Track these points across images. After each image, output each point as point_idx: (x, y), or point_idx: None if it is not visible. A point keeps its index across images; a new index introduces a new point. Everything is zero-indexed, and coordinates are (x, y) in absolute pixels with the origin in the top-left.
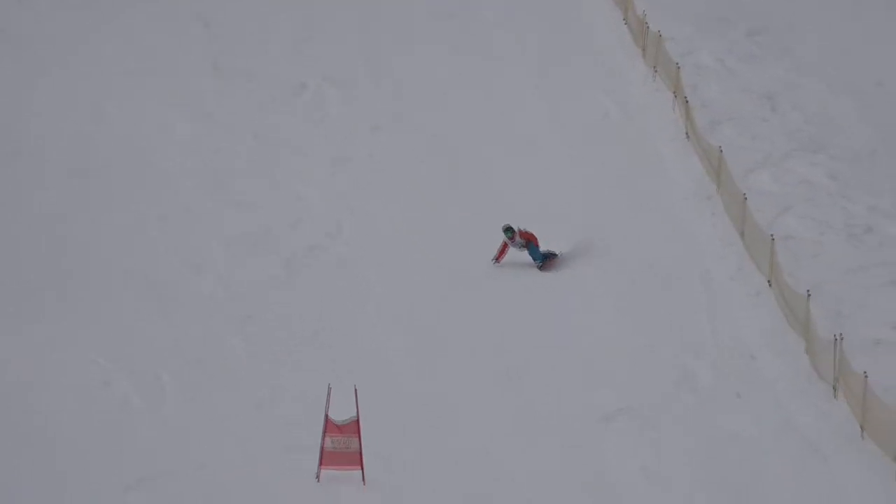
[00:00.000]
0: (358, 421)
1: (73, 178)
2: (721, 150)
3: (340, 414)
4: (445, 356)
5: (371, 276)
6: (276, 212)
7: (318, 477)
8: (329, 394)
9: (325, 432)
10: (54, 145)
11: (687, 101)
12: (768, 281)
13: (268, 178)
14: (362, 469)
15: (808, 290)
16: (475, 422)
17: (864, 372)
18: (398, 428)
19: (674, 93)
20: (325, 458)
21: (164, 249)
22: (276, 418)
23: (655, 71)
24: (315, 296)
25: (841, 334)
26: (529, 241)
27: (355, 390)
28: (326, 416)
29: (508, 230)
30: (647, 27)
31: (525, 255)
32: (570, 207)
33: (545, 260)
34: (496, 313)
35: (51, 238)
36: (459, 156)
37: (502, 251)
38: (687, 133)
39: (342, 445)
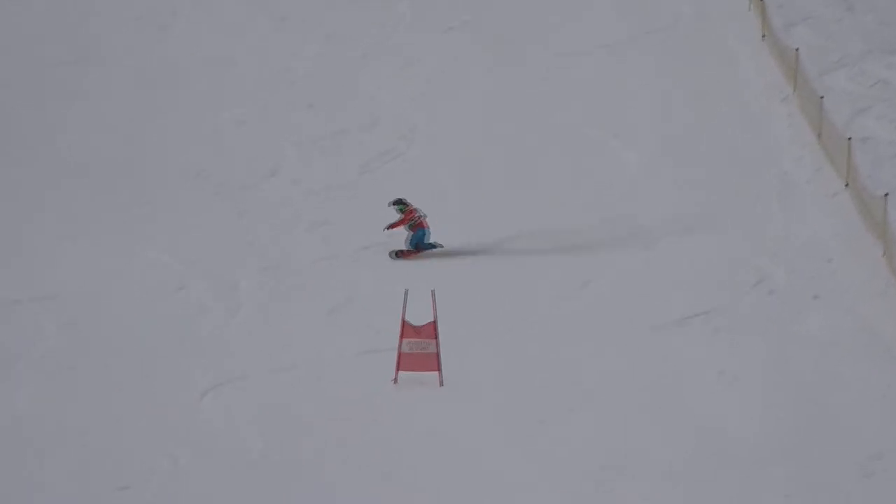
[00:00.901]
0: (435, 323)
1: (143, 86)
2: (797, 51)
3: (417, 318)
4: (517, 263)
5: (445, 180)
6: (351, 114)
7: (395, 380)
8: (405, 297)
9: (401, 335)
10: (124, 52)
11: (762, 2)
12: (845, 183)
13: (341, 80)
14: (439, 371)
15: (885, 193)
16: (546, 327)
17: None
18: (473, 331)
19: None
20: (402, 361)
21: (239, 153)
22: (352, 322)
23: None
24: (390, 200)
25: None
26: (417, 228)
27: (433, 294)
28: (403, 319)
29: (399, 204)
30: None
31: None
32: (646, 110)
33: (411, 249)
34: (566, 216)
35: (124, 143)
36: (527, 59)
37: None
38: (763, 34)
39: (419, 348)
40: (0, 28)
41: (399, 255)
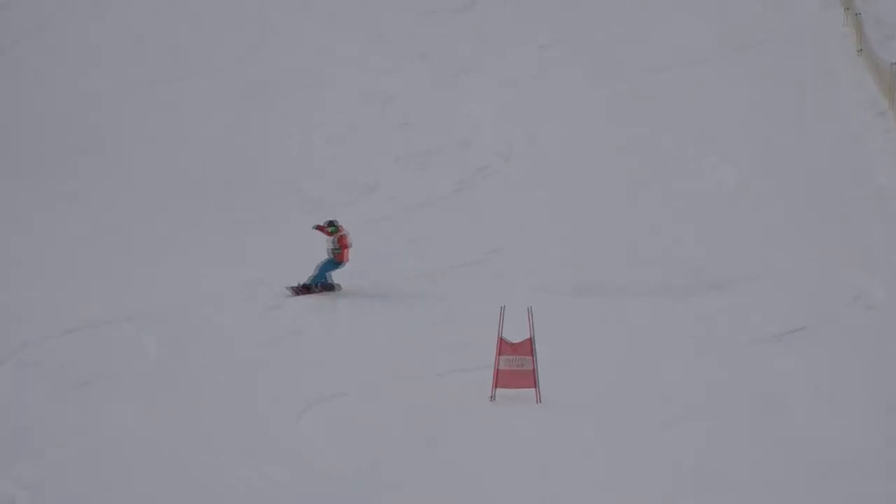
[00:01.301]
0: (532, 340)
1: (239, 103)
2: (893, 66)
3: (514, 335)
4: (613, 277)
5: (542, 196)
6: (446, 132)
7: (492, 397)
8: (502, 314)
9: (498, 352)
10: (220, 65)
11: (858, 16)
12: None
13: (436, 97)
14: (537, 388)
15: None
16: (641, 342)
17: None
18: (570, 348)
19: (846, 7)
20: (500, 378)
21: (336, 170)
22: (448, 338)
23: None
24: (487, 216)
25: None
26: (340, 259)
27: (529, 311)
28: (500, 336)
29: (332, 224)
30: None
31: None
32: (742, 125)
33: (313, 285)
34: (663, 231)
35: (222, 161)
36: (622, 75)
37: (322, 228)
38: (859, 48)
39: (516, 364)
40: (98, 45)
41: (298, 290)
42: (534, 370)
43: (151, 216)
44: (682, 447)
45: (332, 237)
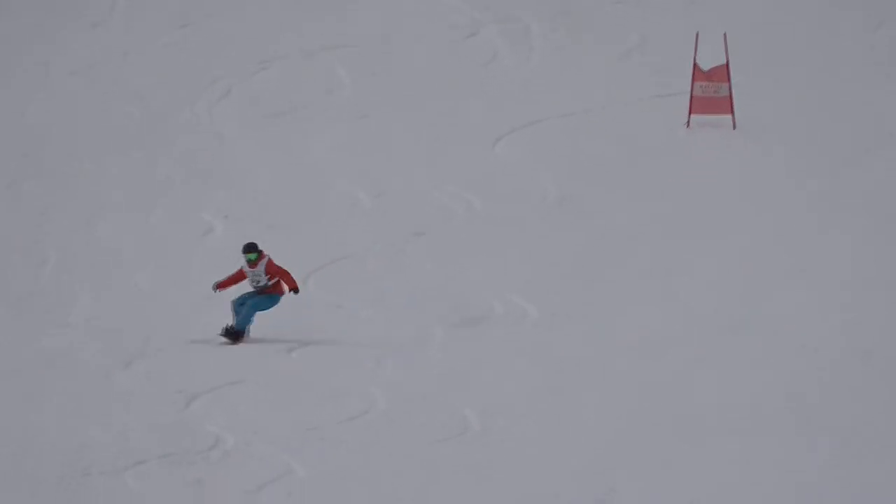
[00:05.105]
0: (727, 66)
1: None
2: None
3: (708, 62)
4: None
5: None
6: None
7: (687, 124)
8: (696, 40)
9: (693, 79)
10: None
11: None
12: None
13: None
14: (732, 114)
15: None
16: None
17: None
18: None
19: None
20: (695, 105)
21: None
22: (643, 66)
23: None
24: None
25: None
26: (274, 292)
27: (724, 37)
28: (694, 62)
29: (251, 251)
30: None
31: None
32: None
33: (237, 333)
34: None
35: None
36: None
37: (231, 279)
38: None
39: (711, 91)
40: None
41: (229, 335)
42: (730, 96)
43: None
44: None
45: (253, 275)
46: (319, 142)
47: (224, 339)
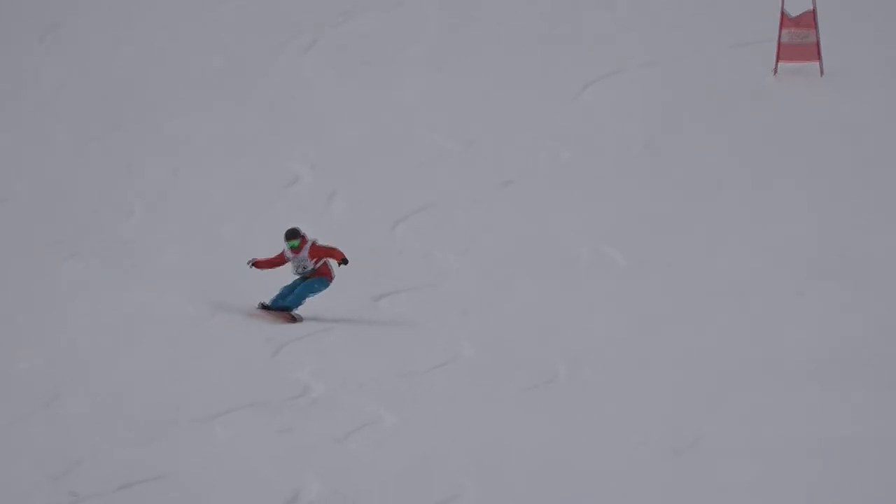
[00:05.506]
0: (814, 12)
1: None
2: None
3: (795, 8)
4: None
5: None
6: None
7: (775, 71)
8: None
9: (780, 26)
10: None
11: None
12: None
13: None
14: (820, 61)
15: None
16: None
17: None
18: None
19: None
20: (782, 52)
21: None
22: (730, 13)
23: None
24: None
25: None
26: (321, 274)
27: None
28: (782, 9)
29: (293, 238)
30: None
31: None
32: None
33: (285, 309)
34: None
35: None
36: None
37: (269, 262)
38: None
39: (799, 38)
40: None
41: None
42: (817, 43)
43: None
44: None
45: (297, 261)
46: (405, 91)
47: (269, 313)
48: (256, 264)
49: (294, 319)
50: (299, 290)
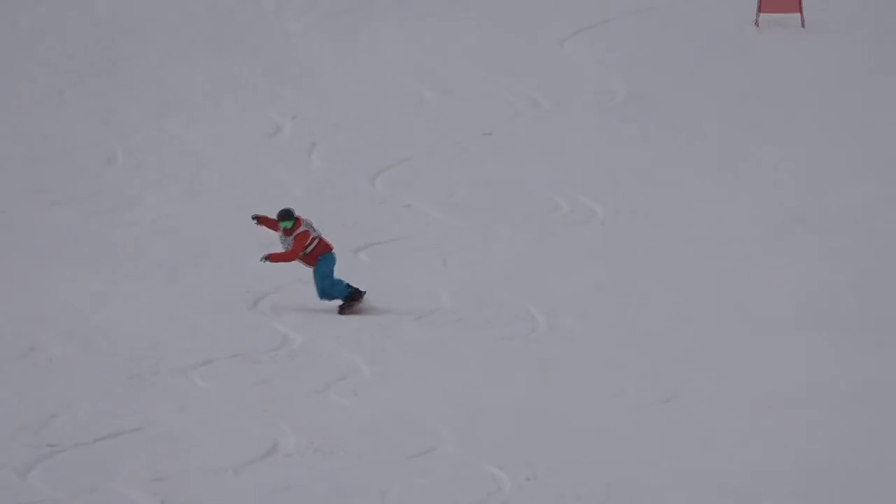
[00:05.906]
0: None
1: None
2: None
3: None
4: None
5: None
6: None
7: (756, 23)
8: None
9: None
10: None
11: None
12: None
13: None
14: (801, 13)
15: None
16: None
17: None
18: None
19: None
20: (764, 3)
21: None
22: None
23: None
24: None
25: None
26: (319, 255)
27: None
28: None
29: (286, 218)
30: None
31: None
32: None
33: (348, 298)
34: None
35: None
36: None
37: (272, 226)
38: None
39: None
40: None
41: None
42: None
43: None
44: None
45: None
46: (385, 40)
47: (348, 310)
48: (261, 221)
49: (360, 297)
50: (326, 281)
